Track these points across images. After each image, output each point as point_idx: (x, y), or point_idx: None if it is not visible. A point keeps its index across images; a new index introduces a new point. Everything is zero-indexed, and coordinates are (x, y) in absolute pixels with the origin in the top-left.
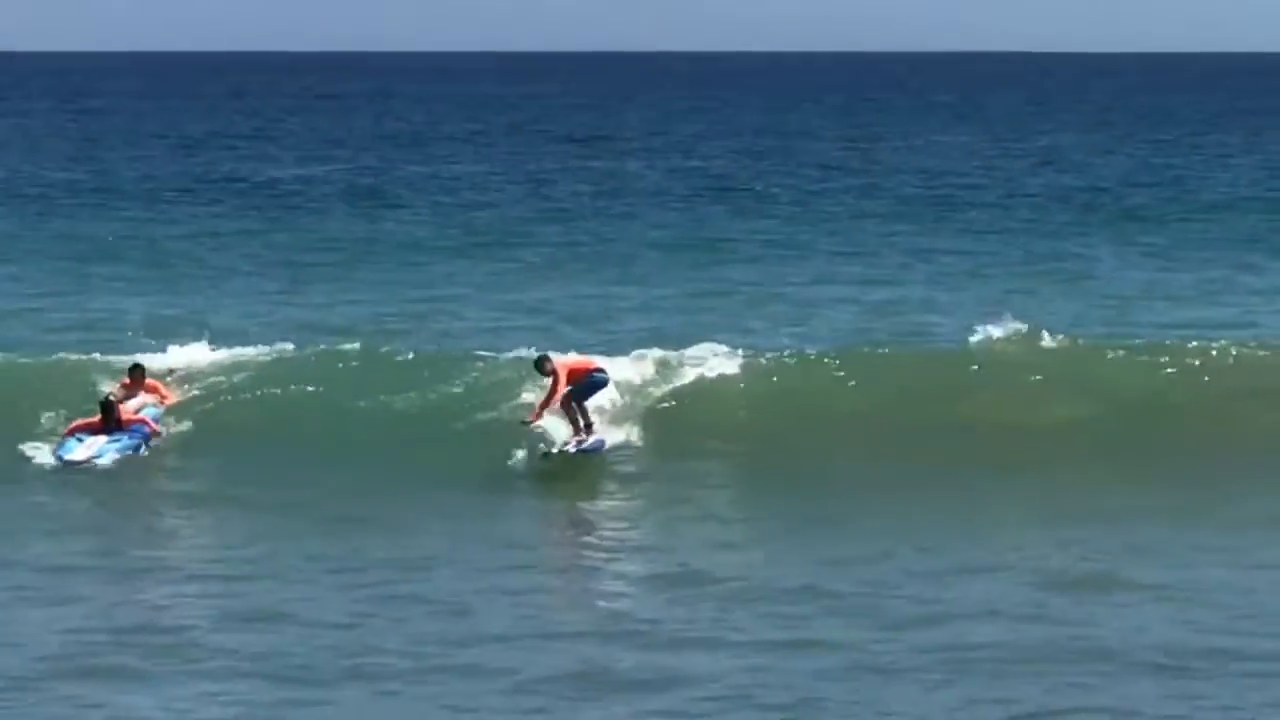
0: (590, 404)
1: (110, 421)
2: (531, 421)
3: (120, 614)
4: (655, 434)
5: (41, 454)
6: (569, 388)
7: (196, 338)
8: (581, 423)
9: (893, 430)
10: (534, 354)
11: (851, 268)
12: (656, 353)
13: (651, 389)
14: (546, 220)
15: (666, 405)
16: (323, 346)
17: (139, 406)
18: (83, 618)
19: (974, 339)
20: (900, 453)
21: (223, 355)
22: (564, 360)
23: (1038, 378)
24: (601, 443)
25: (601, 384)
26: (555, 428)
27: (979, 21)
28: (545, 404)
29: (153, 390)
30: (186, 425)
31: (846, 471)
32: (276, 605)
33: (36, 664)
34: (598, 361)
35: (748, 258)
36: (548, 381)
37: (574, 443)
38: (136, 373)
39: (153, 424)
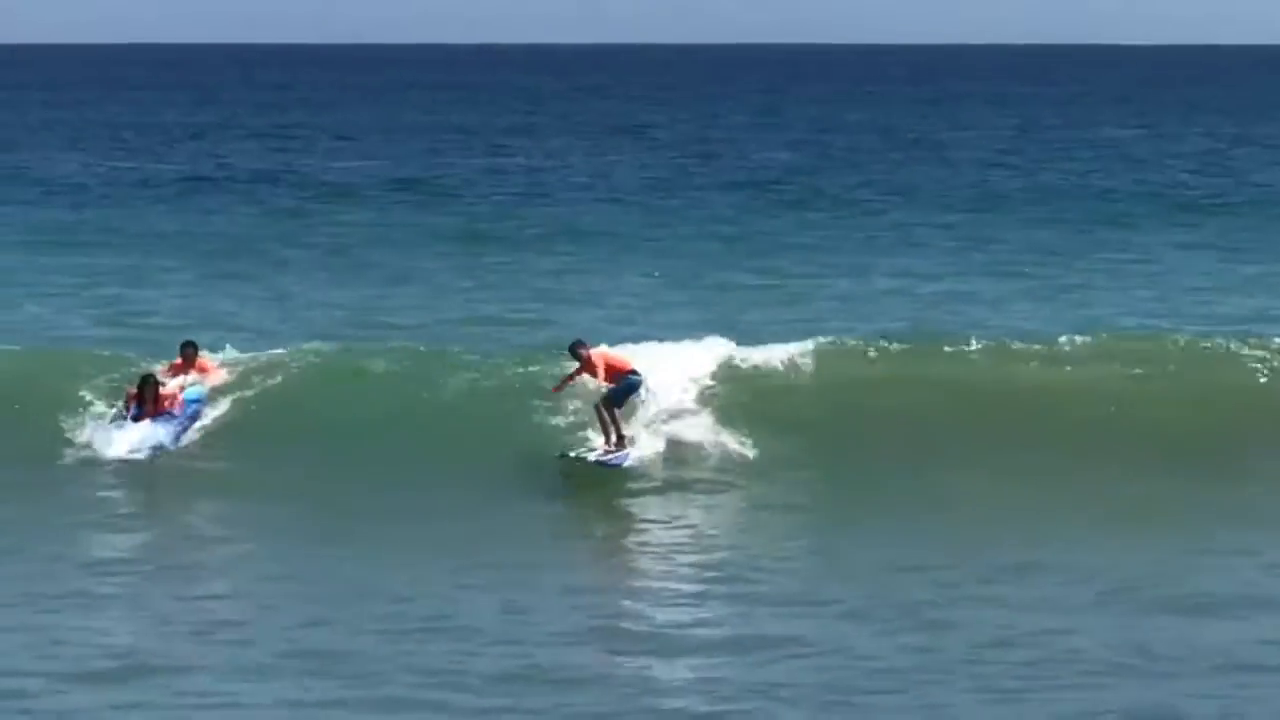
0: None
1: (145, 401)
2: (556, 390)
3: (157, 612)
4: (709, 425)
5: (85, 435)
6: (605, 388)
7: (243, 331)
8: (614, 435)
9: (949, 425)
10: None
11: (912, 260)
12: (714, 342)
13: (706, 380)
14: (603, 212)
15: (721, 396)
16: (371, 341)
17: (182, 385)
18: (122, 616)
19: (1036, 333)
20: (954, 447)
21: (276, 351)
22: (600, 351)
23: (1106, 371)
24: (624, 458)
25: (635, 387)
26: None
27: (973, 14)
28: (570, 379)
29: (202, 370)
30: (228, 417)
31: (903, 467)
32: (308, 602)
33: (76, 663)
34: (633, 362)
35: (807, 248)
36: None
37: (599, 452)
38: (189, 349)
39: (187, 414)
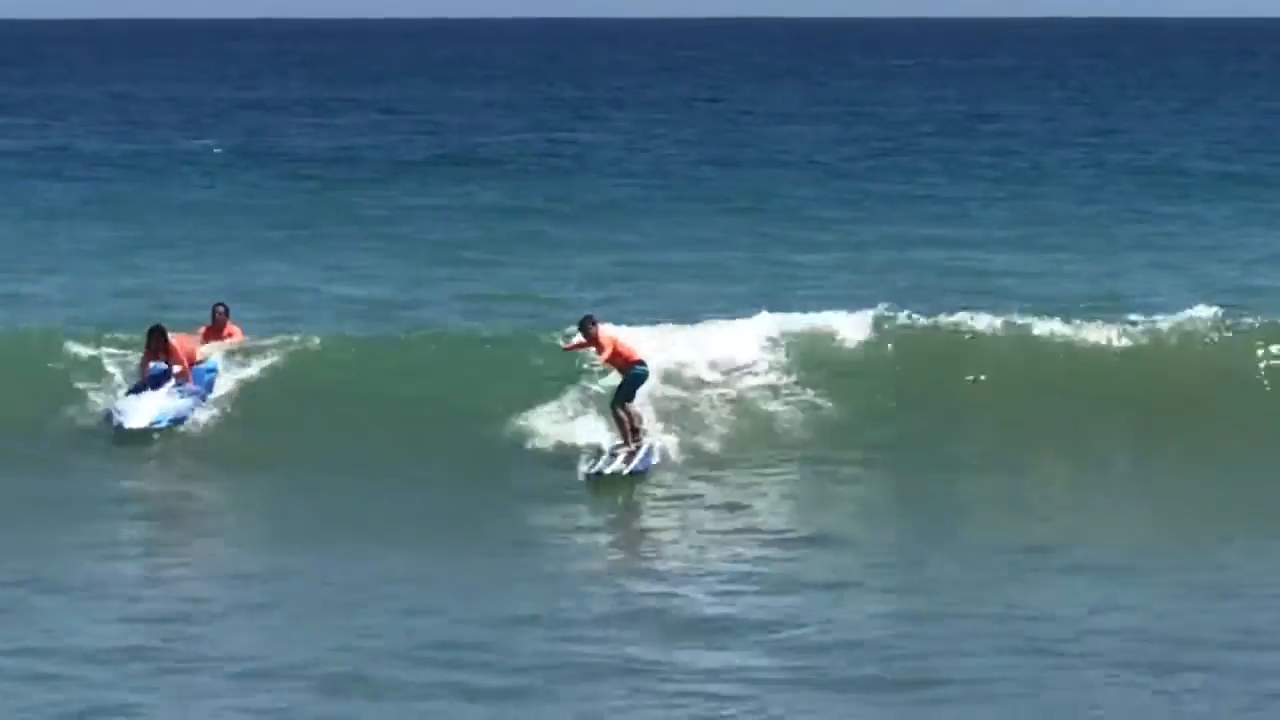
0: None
1: (157, 352)
2: (567, 349)
3: (170, 595)
4: (756, 400)
5: (103, 407)
6: (612, 373)
7: (276, 306)
8: (629, 427)
9: (997, 400)
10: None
11: (961, 233)
12: (760, 317)
13: (752, 355)
14: (646, 188)
15: (768, 370)
16: (406, 319)
17: (206, 355)
18: (133, 599)
19: (1083, 304)
20: (1001, 422)
21: (305, 328)
22: (612, 334)
23: (1156, 344)
24: (650, 456)
25: (642, 378)
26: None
27: None
28: (581, 346)
29: (229, 335)
30: (252, 394)
31: (949, 442)
32: (330, 588)
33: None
34: (640, 352)
35: (854, 221)
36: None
37: (623, 456)
38: (219, 309)
39: (202, 384)
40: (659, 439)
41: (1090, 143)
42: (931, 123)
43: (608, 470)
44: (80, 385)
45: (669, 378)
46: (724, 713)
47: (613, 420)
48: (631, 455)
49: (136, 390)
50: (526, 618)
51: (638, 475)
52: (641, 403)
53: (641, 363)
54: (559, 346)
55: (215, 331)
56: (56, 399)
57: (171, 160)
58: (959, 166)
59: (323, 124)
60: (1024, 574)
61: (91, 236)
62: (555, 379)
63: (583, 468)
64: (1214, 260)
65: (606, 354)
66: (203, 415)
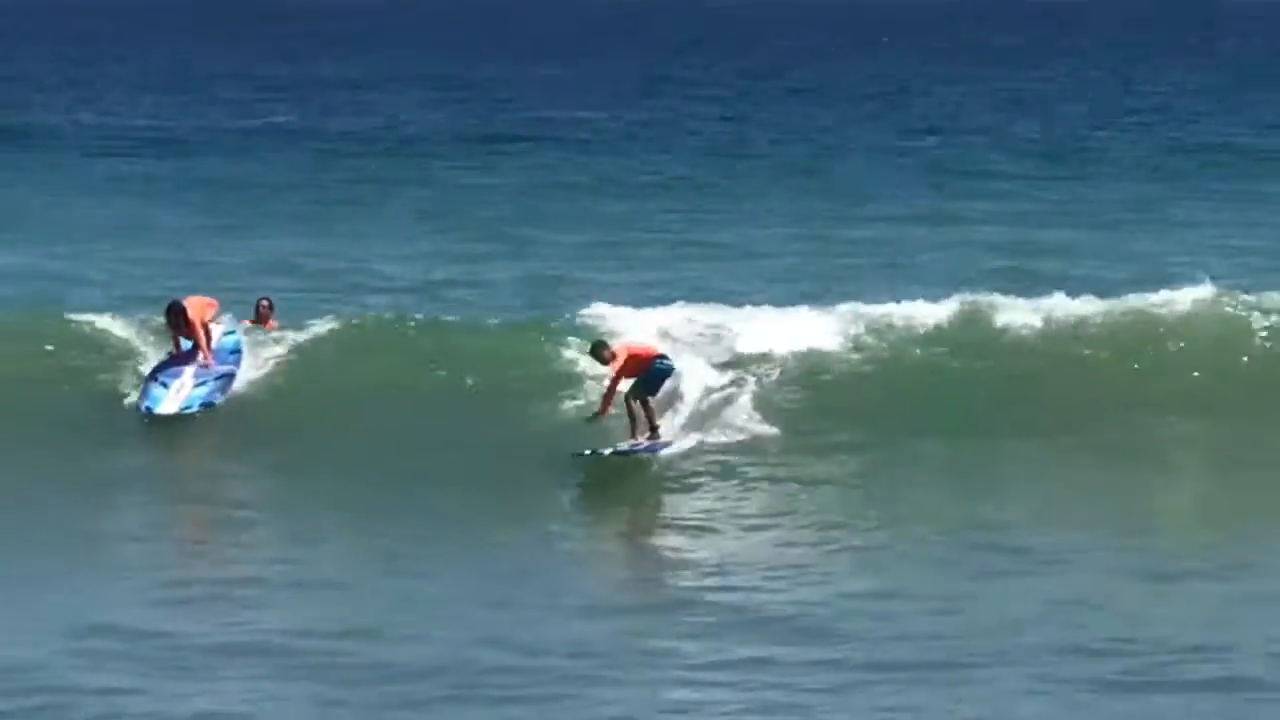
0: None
1: (179, 328)
2: (599, 417)
3: (181, 586)
4: (811, 383)
5: (133, 394)
6: (633, 378)
7: (315, 291)
8: (647, 424)
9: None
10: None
11: (1007, 210)
12: (821, 300)
13: (812, 337)
14: (719, 166)
15: (825, 352)
16: (441, 305)
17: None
18: (140, 591)
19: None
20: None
21: (343, 312)
22: (623, 344)
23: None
24: (655, 448)
25: (665, 373)
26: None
27: None
28: (610, 395)
29: (270, 329)
30: (286, 379)
31: (1007, 434)
32: (338, 572)
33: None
34: (661, 347)
35: (890, 200)
36: (610, 369)
37: (625, 445)
38: (264, 303)
39: (229, 364)
40: (716, 413)
41: (1140, 121)
42: (984, 100)
43: (587, 451)
44: (112, 364)
45: (716, 358)
46: (739, 698)
47: (625, 410)
48: (636, 445)
49: (167, 366)
50: (539, 605)
51: (624, 455)
52: (676, 397)
53: (664, 356)
54: (589, 421)
55: (259, 324)
56: (87, 378)
57: (218, 136)
58: (1012, 144)
59: (371, 101)
60: (1054, 562)
61: (137, 214)
62: (587, 366)
63: (578, 450)
64: (1272, 239)
65: (619, 364)
66: (234, 395)
